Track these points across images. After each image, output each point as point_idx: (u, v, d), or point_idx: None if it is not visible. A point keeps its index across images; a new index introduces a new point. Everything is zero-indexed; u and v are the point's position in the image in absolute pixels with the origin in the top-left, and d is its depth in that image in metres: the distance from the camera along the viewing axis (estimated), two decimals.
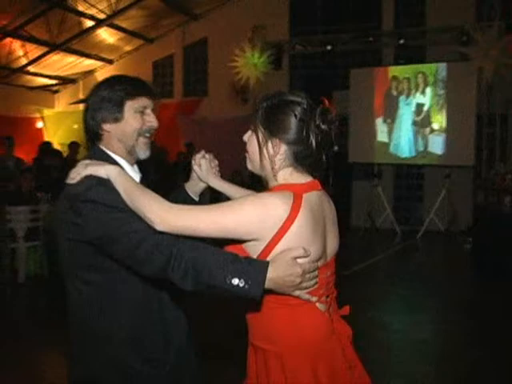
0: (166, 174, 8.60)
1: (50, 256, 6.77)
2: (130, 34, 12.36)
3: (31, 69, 12.43)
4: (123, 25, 11.72)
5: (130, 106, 1.78)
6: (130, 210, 1.60)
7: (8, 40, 10.66)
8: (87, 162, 1.70)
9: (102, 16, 10.82)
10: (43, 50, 11.41)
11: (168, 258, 1.51)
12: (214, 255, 1.50)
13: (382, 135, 10.50)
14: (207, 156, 2.01)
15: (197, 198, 2.06)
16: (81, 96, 14.36)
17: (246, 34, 10.75)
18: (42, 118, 14.26)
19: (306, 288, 1.55)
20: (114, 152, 1.81)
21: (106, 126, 1.78)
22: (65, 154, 10.32)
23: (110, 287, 1.72)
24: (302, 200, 1.57)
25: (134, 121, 1.79)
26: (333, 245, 1.72)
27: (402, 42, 10.08)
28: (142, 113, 1.81)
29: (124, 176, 1.65)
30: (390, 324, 5.40)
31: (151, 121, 1.85)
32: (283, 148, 1.64)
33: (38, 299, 6.35)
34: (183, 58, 13.37)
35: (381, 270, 7.71)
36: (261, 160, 1.69)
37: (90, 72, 13.94)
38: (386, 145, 10.45)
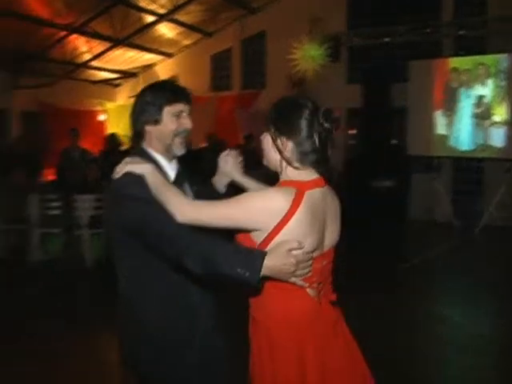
0: None
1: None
2: (189, 28, 12.57)
3: (94, 63, 12.83)
4: (182, 19, 11.93)
5: (168, 111, 2.07)
6: (158, 203, 1.88)
7: (74, 36, 11.03)
8: (129, 160, 2.01)
9: (162, 11, 11.07)
10: (106, 45, 11.76)
11: (185, 246, 1.79)
12: (221, 246, 1.76)
13: (441, 128, 10.34)
14: (233, 153, 2.29)
15: (223, 191, 2.33)
16: (140, 89, 14.73)
17: (304, 26, 10.78)
18: (105, 111, 14.71)
19: (300, 276, 1.75)
20: (154, 150, 2.12)
21: (148, 127, 2.10)
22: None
23: (145, 273, 2.03)
24: (303, 197, 1.78)
25: (171, 123, 2.08)
26: (332, 237, 1.93)
27: (461, 32, 9.89)
28: (178, 116, 2.09)
29: (155, 174, 1.94)
30: (447, 317, 5.38)
31: (186, 123, 2.13)
32: (290, 146, 1.85)
33: (103, 284, 6.64)
34: (241, 51, 13.52)
35: (439, 263, 7.63)
36: (271, 157, 1.92)
37: (150, 66, 14.26)
38: (446, 137, 10.29)
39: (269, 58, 12.98)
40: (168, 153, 2.13)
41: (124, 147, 9.31)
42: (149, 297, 2.04)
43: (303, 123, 1.83)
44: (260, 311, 1.90)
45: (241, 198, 1.82)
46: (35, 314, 5.41)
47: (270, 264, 1.69)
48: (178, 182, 2.11)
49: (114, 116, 14.61)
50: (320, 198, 1.86)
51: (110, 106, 14.81)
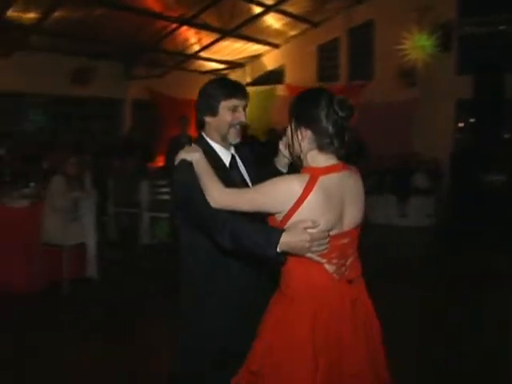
0: None
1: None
2: (296, 18, 12.58)
3: (203, 54, 13.18)
4: (289, 10, 11.97)
5: (224, 105, 2.37)
6: (199, 187, 2.17)
7: (184, 28, 11.40)
8: (187, 148, 2.33)
9: (269, 2, 11.16)
10: (215, 36, 12.04)
11: (218, 224, 2.09)
12: (247, 225, 2.06)
13: None
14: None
15: (285, 170, 2.56)
16: (248, 79, 14.93)
17: (413, 14, 10.49)
18: None
19: (315, 252, 1.97)
20: (210, 138, 2.46)
21: (207, 118, 2.43)
22: None
23: (195, 248, 2.39)
24: (316, 182, 1.97)
25: (227, 116, 2.38)
26: (352, 217, 2.09)
27: None
28: (234, 110, 2.38)
29: (201, 162, 2.22)
30: None
31: (240, 117, 2.42)
32: (309, 134, 2.06)
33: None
34: (348, 41, 13.34)
35: None
36: (294, 145, 2.14)
37: (257, 56, 14.44)
38: None
39: (376, 48, 12.71)
40: (224, 141, 2.46)
41: None
42: (196, 268, 2.39)
43: (320, 113, 2.01)
44: (284, 282, 2.13)
45: (264, 185, 2.06)
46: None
47: (286, 240, 1.95)
48: (232, 167, 2.47)
49: None
50: (336, 182, 2.04)
51: None
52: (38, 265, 5.66)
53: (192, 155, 2.26)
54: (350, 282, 2.11)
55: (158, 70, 12.83)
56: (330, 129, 2.01)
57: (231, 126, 2.40)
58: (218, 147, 2.46)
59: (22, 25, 9.60)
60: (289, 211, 1.99)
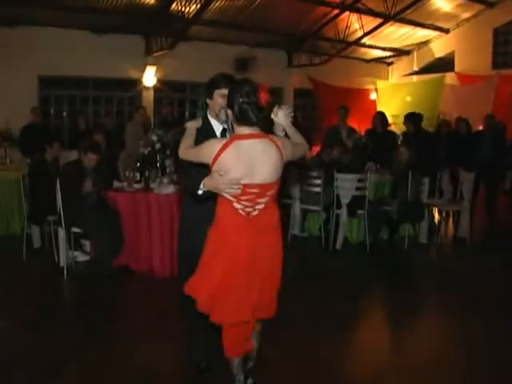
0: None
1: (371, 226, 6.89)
2: None
3: (367, 41, 12.70)
4: None
5: (217, 92, 3.15)
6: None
7: (346, 14, 11.02)
8: (193, 120, 3.28)
9: None
10: (378, 21, 11.50)
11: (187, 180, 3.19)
12: (198, 179, 2.86)
13: None
14: (284, 107, 3.05)
15: (281, 135, 3.07)
16: (415, 68, 14.19)
17: None
18: (376, 90, 14.54)
19: (229, 193, 2.77)
20: (210, 116, 3.27)
21: (208, 101, 3.24)
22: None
23: (188, 193, 3.33)
24: (230, 144, 2.74)
25: (217, 100, 3.14)
26: (262, 174, 2.77)
27: None
28: (224, 96, 3.01)
29: (189, 129, 3.10)
30: None
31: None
32: (230, 113, 2.82)
33: (362, 265, 6.56)
34: None
35: None
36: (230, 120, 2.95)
37: (425, 43, 13.63)
38: None
39: None
40: (218, 118, 3.22)
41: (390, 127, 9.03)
42: (186, 203, 3.43)
43: (233, 99, 2.77)
44: (216, 213, 2.93)
45: (202, 144, 2.86)
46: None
47: (206, 183, 2.81)
48: (222, 136, 3.21)
49: (385, 95, 14.37)
50: (248, 145, 2.76)
51: (381, 84, 14.59)
52: None
53: (188, 124, 3.16)
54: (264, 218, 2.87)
55: (320, 57, 12.57)
56: (237, 110, 2.76)
57: (222, 108, 3.05)
58: (213, 122, 3.27)
59: (184, 17, 9.88)
60: (211, 162, 2.76)
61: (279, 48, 12.22)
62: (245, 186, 2.77)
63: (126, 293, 5.40)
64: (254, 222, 2.86)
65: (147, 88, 11.29)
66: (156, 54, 10.83)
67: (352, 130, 9.15)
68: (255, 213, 2.86)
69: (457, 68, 13.19)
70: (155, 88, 11.37)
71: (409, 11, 11.20)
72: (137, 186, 5.96)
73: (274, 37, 11.55)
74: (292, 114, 3.09)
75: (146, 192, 5.80)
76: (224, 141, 2.81)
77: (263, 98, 2.81)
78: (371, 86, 14.44)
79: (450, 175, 8.02)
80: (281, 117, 3.06)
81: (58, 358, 3.78)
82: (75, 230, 5.82)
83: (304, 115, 13.82)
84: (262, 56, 11.67)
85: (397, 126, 13.11)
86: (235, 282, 2.86)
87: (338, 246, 6.91)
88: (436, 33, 13.20)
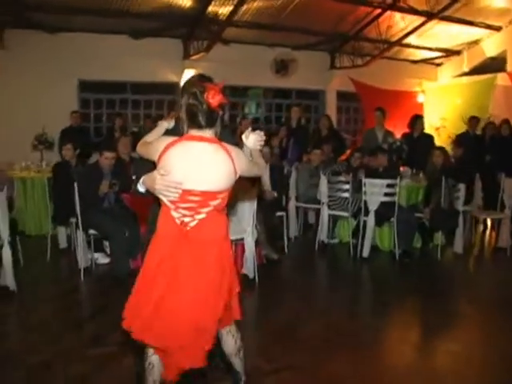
0: None
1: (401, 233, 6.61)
2: None
3: (412, 41, 12.30)
4: None
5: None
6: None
7: (388, 14, 10.69)
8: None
9: None
10: (422, 20, 11.07)
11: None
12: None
13: None
14: (257, 133, 2.86)
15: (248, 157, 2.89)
16: (465, 69, 13.66)
17: None
18: (423, 92, 14.09)
19: (166, 196, 2.61)
20: None
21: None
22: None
23: None
24: (175, 143, 2.62)
25: None
26: (205, 180, 2.60)
27: None
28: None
29: (159, 127, 3.04)
30: None
31: None
32: (181, 115, 2.66)
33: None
34: None
35: None
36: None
37: (476, 42, 13.08)
38: None
39: None
40: None
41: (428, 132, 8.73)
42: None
43: (182, 102, 2.64)
44: None
45: (152, 142, 2.80)
46: None
47: (145, 181, 2.66)
48: None
49: (433, 97, 13.90)
50: (198, 148, 2.61)
51: (429, 86, 14.13)
52: None
53: (159, 122, 3.13)
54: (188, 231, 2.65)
55: (363, 59, 12.27)
56: (184, 114, 2.63)
57: None
58: None
59: (220, 19, 9.82)
60: (157, 159, 2.64)
61: (320, 50, 11.99)
62: (185, 191, 2.59)
63: None
64: (189, 236, 2.64)
65: None
66: (194, 58, 10.81)
67: (389, 134, 8.87)
68: (193, 223, 2.64)
69: (509, 68, 12.58)
70: None
71: (455, 7, 10.68)
72: None
73: (314, 38, 11.34)
74: (262, 144, 2.90)
75: None
76: (169, 140, 2.66)
77: (215, 99, 2.58)
78: (418, 88, 14.01)
79: (482, 181, 7.62)
80: (251, 141, 2.87)
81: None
82: (93, 232, 5.84)
83: (347, 118, 13.55)
84: (302, 58, 11.49)
85: (445, 130, 12.70)
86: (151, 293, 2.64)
87: (365, 253, 6.64)
88: (487, 31, 12.61)
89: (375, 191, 6.54)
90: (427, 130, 10.33)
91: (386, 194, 6.54)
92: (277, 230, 6.76)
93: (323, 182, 7.00)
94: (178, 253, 2.63)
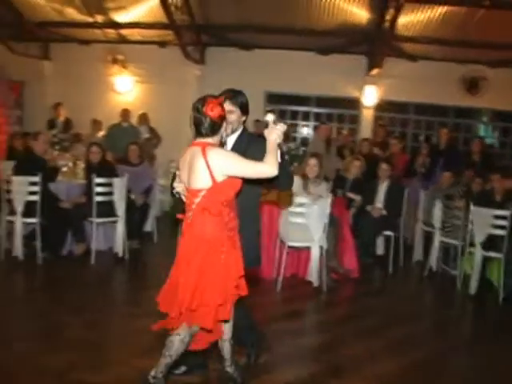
0: None
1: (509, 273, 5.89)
2: None
3: None
4: None
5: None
6: None
7: None
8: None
9: None
10: None
11: None
12: None
13: None
14: (281, 124, 3.08)
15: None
16: None
17: None
18: None
19: (178, 192, 3.24)
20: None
21: None
22: None
23: None
24: (186, 149, 3.10)
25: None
26: (191, 179, 3.01)
27: None
28: (227, 111, 3.21)
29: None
30: None
31: (228, 117, 3.25)
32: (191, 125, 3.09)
33: None
34: None
35: None
36: None
37: None
38: None
39: None
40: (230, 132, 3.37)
41: None
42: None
43: (191, 113, 3.04)
44: None
45: None
46: None
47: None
48: (234, 149, 3.30)
49: None
50: (189, 152, 3.05)
51: None
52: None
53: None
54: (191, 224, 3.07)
55: None
56: (192, 123, 3.04)
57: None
58: (225, 136, 3.27)
59: (400, 34, 9.67)
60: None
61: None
62: (186, 188, 3.11)
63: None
64: (187, 227, 3.09)
65: (366, 107, 11.37)
66: (375, 73, 10.80)
67: None
68: (189, 219, 3.06)
69: None
70: (376, 107, 11.37)
71: None
72: None
73: (507, 54, 10.31)
74: (281, 136, 3.04)
75: None
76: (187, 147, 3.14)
77: (214, 111, 2.95)
78: None
79: None
80: (271, 133, 3.03)
81: None
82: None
83: None
84: (493, 76, 10.57)
85: None
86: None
87: (472, 290, 6.08)
88: None
89: (481, 222, 5.97)
90: None
91: (497, 226, 5.92)
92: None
93: (438, 205, 6.61)
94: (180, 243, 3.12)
